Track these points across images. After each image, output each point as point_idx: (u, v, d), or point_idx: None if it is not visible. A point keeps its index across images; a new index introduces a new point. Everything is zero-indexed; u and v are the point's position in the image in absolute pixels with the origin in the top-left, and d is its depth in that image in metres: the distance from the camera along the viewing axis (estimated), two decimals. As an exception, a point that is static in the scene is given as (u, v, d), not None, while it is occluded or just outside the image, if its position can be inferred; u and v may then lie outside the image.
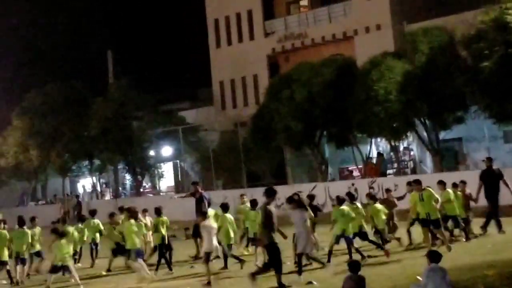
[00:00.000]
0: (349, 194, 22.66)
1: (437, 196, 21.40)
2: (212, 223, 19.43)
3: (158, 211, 22.57)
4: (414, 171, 40.55)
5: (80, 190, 60.49)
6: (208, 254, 18.51)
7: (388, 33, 44.86)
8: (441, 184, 22.97)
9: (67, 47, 68.57)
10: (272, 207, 16.95)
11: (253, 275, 16.39)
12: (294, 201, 18.41)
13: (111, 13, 74.57)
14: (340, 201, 21.37)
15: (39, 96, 53.15)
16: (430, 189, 21.60)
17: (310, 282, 16.57)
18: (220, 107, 54.37)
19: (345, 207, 20.81)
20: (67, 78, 53.96)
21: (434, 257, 14.18)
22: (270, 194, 16.94)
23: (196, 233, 23.04)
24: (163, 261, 21.25)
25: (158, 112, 51.46)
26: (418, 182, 21.88)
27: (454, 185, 23.72)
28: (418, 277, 14.20)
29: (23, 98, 54.29)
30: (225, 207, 21.58)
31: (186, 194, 26.59)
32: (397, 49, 39.51)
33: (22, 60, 65.28)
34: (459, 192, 23.52)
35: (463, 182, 24.43)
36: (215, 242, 18.96)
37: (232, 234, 21.03)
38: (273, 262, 16.29)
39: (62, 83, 53.33)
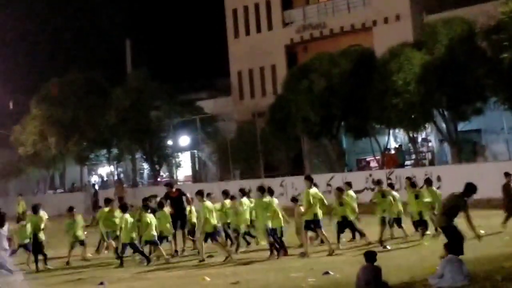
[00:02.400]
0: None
1: None
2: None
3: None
4: (432, 163, 40.40)
5: (94, 179, 60.48)
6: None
7: (407, 24, 44.62)
8: None
9: (86, 37, 68.81)
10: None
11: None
12: None
13: (130, 2, 74.68)
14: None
15: (58, 85, 53.31)
16: None
17: (327, 272, 16.52)
18: (238, 97, 54.31)
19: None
20: (85, 68, 54.21)
21: (451, 248, 14.15)
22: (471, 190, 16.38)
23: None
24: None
25: (176, 102, 51.53)
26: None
27: None
28: (438, 268, 14.14)
29: (42, 86, 54.45)
30: (269, 191, 21.67)
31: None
32: (416, 39, 39.27)
33: (41, 49, 65.58)
34: None
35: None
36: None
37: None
38: (451, 243, 15.80)
39: (81, 72, 53.50)
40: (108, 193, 46.58)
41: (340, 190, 22.37)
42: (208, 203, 21.33)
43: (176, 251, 23.01)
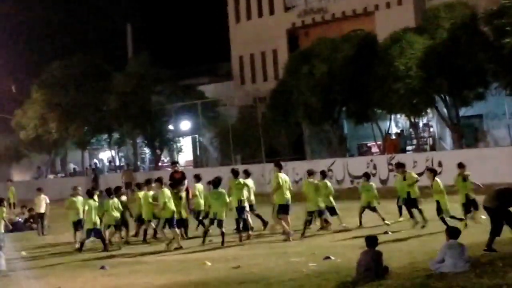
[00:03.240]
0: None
1: None
2: None
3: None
4: (433, 148, 40.39)
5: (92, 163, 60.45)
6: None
7: (409, 8, 44.46)
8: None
9: (87, 21, 68.58)
10: None
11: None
12: None
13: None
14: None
15: (59, 69, 53.27)
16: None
17: (328, 257, 16.54)
18: (239, 82, 54.24)
19: None
20: (86, 52, 54.07)
21: (452, 233, 14.16)
22: None
23: None
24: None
25: (177, 86, 51.52)
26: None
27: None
28: (438, 253, 14.14)
29: (43, 71, 54.40)
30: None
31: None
32: (418, 24, 39.16)
33: (42, 33, 65.41)
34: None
35: None
36: None
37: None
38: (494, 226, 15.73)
39: (82, 57, 53.43)
40: (110, 178, 46.78)
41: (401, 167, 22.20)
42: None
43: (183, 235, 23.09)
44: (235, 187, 21.71)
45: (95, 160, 60.36)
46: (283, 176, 21.43)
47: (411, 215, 21.17)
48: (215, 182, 21.22)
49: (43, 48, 64.53)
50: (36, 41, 65.28)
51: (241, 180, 22.11)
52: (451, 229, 14.40)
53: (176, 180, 24.15)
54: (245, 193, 21.83)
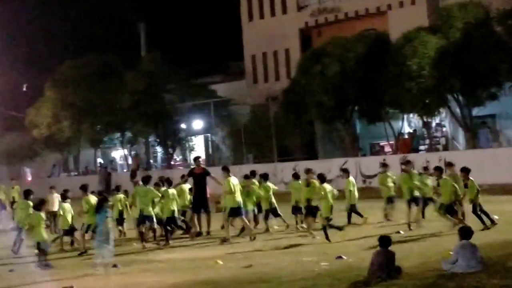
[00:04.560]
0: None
1: None
2: None
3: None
4: (446, 148, 40.28)
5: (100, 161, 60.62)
6: None
7: (422, 8, 44.32)
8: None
9: (100, 20, 68.68)
10: None
11: None
12: None
13: (144, -15, 74.56)
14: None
15: (72, 67, 53.38)
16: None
17: (340, 257, 16.51)
18: (251, 81, 54.22)
19: None
20: (99, 51, 54.15)
21: (465, 233, 14.11)
22: None
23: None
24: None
25: (190, 85, 51.61)
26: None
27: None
28: (451, 253, 14.11)
29: (56, 69, 54.53)
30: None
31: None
32: (431, 24, 39.05)
33: (56, 31, 65.58)
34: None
35: None
36: None
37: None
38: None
39: (95, 55, 53.50)
40: (122, 176, 46.84)
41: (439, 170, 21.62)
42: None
43: (200, 232, 23.27)
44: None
45: (100, 160, 60.23)
46: (233, 180, 21.81)
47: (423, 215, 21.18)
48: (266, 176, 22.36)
49: (57, 47, 64.72)
50: (49, 40, 65.42)
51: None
52: (463, 230, 14.34)
53: (197, 176, 24.08)
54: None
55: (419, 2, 44.79)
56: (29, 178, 36.87)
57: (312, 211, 21.21)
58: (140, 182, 22.52)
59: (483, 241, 15.57)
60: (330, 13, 49.76)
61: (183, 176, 24.57)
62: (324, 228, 20.00)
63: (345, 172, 24.46)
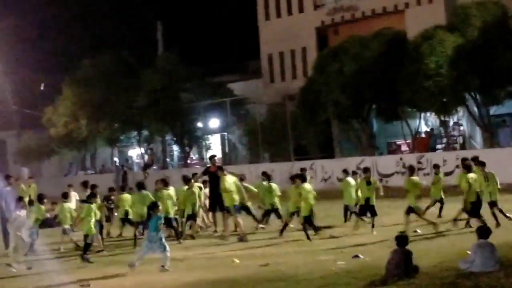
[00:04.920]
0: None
1: None
2: None
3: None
4: (463, 147, 40.12)
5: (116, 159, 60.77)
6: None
7: (440, 6, 44.20)
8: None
9: (117, 18, 68.87)
10: None
11: None
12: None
13: (161, -16, 74.65)
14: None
15: (89, 66, 53.54)
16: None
17: (357, 256, 16.49)
18: (268, 80, 54.23)
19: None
20: (117, 49, 54.27)
21: (483, 233, 14.05)
22: None
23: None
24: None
25: (207, 84, 51.62)
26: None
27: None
28: (468, 252, 14.06)
29: (74, 68, 54.70)
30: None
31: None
32: (449, 22, 38.90)
33: (73, 30, 65.82)
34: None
35: None
36: None
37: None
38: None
39: (112, 54, 53.63)
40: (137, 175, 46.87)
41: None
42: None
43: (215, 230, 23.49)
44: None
45: (116, 158, 60.31)
46: (228, 179, 22.00)
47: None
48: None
49: (74, 46, 64.91)
50: (67, 39, 65.66)
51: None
52: (481, 229, 14.29)
53: (212, 174, 24.12)
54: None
55: (437, 1, 44.70)
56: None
57: (368, 210, 21.26)
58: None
59: (501, 241, 15.50)
60: (347, 11, 49.72)
61: (194, 175, 24.61)
62: (304, 228, 20.40)
63: (344, 172, 24.50)
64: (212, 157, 25.82)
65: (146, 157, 54.97)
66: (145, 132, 53.86)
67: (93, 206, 19.65)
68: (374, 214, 21.15)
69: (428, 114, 40.62)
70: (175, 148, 55.51)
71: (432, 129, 42.27)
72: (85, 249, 19.12)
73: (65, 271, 17.87)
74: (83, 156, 60.71)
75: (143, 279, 16.04)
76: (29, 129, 59.63)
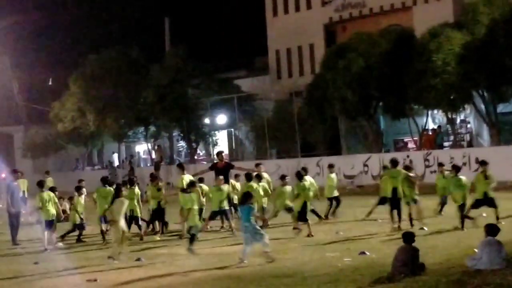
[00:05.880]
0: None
1: None
2: None
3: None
4: (470, 144, 40.06)
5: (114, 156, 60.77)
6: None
7: (448, 3, 44.08)
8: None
9: (125, 14, 68.94)
10: None
11: None
12: None
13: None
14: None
15: (96, 62, 53.55)
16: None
17: (363, 253, 16.51)
18: (275, 76, 54.21)
19: None
20: (124, 45, 54.30)
21: (491, 230, 14.04)
22: None
23: None
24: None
25: (214, 80, 51.61)
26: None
27: None
28: (476, 250, 14.06)
29: (81, 63, 54.74)
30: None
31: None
32: (457, 19, 38.86)
33: (80, 25, 65.88)
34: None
35: None
36: None
37: None
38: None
39: (119, 50, 53.64)
40: (145, 170, 46.93)
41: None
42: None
43: (222, 226, 23.49)
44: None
45: (115, 155, 60.33)
46: (186, 178, 22.33)
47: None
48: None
49: (81, 41, 65.04)
50: (74, 34, 65.78)
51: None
52: (489, 226, 14.27)
53: (219, 169, 24.18)
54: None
55: (444, -2, 44.58)
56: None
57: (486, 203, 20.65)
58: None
59: (507, 238, 15.49)
60: (355, 8, 49.63)
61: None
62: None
63: (330, 167, 25.45)
64: (220, 153, 25.96)
65: (153, 153, 55.13)
66: (152, 128, 53.91)
67: (193, 195, 19.39)
68: (494, 206, 20.37)
69: (435, 111, 40.55)
70: (182, 143, 55.51)
71: (439, 127, 42.19)
72: (192, 241, 18.57)
73: (71, 267, 17.89)
74: (90, 152, 60.79)
75: (149, 274, 16.08)
76: (36, 124, 59.73)
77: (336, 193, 24.59)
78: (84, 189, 23.73)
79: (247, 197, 17.40)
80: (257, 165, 25.39)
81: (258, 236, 16.67)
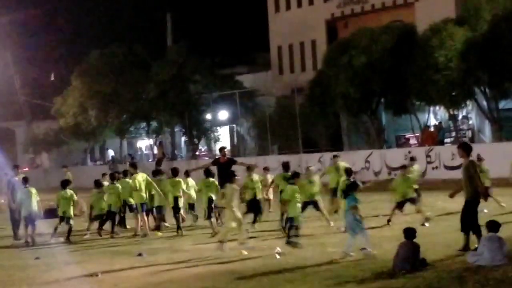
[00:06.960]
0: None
1: None
2: None
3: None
4: (472, 141, 40.03)
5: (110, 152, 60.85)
6: None
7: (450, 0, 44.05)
8: None
9: (127, 10, 68.92)
10: None
11: None
12: None
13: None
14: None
15: (98, 57, 53.58)
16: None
17: (364, 249, 16.48)
18: (277, 72, 54.21)
19: None
20: (126, 41, 54.36)
21: (492, 226, 14.04)
22: None
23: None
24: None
25: (216, 76, 51.65)
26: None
27: None
28: (478, 246, 14.05)
29: (83, 59, 54.78)
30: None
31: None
32: (459, 16, 38.79)
33: (82, 21, 65.91)
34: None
35: None
36: None
37: None
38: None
39: (122, 45, 53.68)
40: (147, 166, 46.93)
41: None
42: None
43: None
44: None
45: (111, 151, 60.32)
46: (139, 178, 22.56)
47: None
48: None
49: (83, 37, 65.08)
50: (76, 30, 65.82)
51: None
52: (491, 223, 14.27)
53: (222, 165, 24.19)
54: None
55: (447, -6, 44.52)
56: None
57: None
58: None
59: (509, 234, 15.49)
60: (357, 4, 49.60)
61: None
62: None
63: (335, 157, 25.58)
64: (222, 149, 26.08)
65: (156, 149, 55.14)
66: (154, 124, 53.95)
67: (296, 187, 18.60)
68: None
69: (437, 107, 40.55)
70: (184, 139, 55.54)
71: (440, 123, 42.16)
72: (291, 232, 17.96)
73: (72, 262, 17.92)
74: (92, 147, 60.84)
75: (151, 270, 16.08)
76: (38, 120, 59.77)
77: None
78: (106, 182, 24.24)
79: (353, 186, 16.86)
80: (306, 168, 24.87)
81: (359, 229, 16.17)
